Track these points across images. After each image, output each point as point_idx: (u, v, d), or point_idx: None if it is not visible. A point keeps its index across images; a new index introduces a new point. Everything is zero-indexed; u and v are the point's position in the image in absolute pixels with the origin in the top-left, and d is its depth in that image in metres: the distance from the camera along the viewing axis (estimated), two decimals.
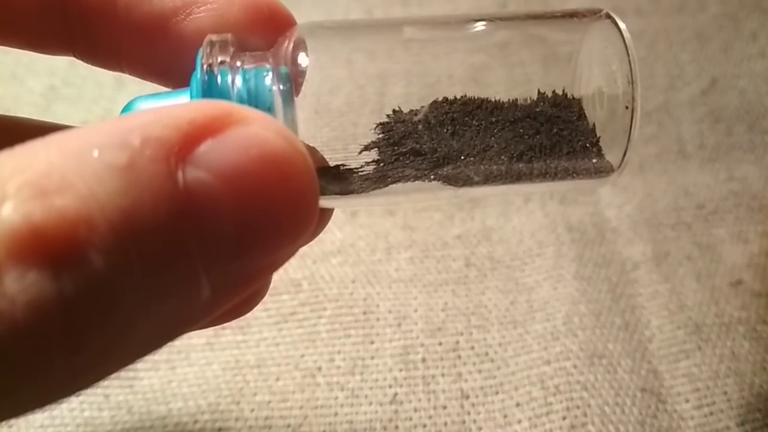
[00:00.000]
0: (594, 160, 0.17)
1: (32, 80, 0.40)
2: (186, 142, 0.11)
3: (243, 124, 0.12)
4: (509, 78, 0.16)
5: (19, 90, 0.39)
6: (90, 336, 0.10)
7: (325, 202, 0.16)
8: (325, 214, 0.18)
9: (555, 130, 0.16)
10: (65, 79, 0.40)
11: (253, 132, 0.12)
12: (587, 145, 0.16)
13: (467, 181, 0.16)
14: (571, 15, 0.17)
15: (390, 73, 0.16)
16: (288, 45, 0.16)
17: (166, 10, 0.17)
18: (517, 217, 0.34)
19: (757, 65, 0.40)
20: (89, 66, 0.19)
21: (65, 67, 0.40)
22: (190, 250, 0.11)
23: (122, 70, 0.18)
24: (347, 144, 0.16)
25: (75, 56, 0.19)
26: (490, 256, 0.32)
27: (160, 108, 0.12)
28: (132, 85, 0.19)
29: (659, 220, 0.34)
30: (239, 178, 0.11)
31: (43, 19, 0.17)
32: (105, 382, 0.17)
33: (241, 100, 0.14)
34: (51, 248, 0.10)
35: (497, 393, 0.28)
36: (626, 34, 0.16)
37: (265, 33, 0.17)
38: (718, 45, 0.41)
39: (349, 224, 0.33)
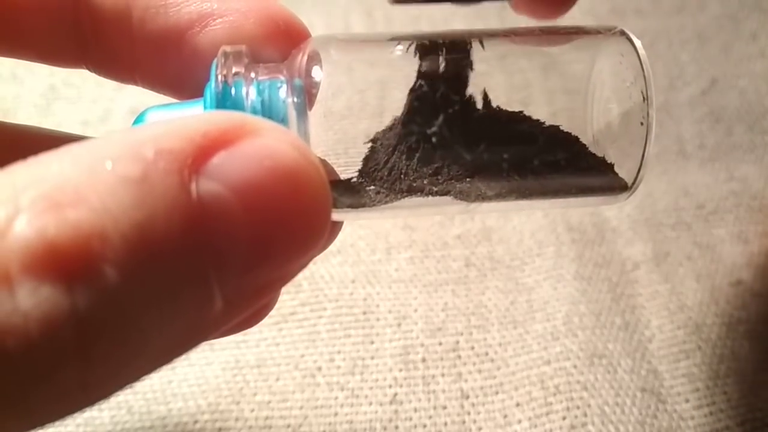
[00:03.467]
0: (608, 177, 0.16)
1: (32, 80, 0.40)
2: (199, 154, 0.11)
3: (256, 136, 0.12)
4: (512, 88, 0.16)
5: (19, 90, 0.39)
6: (103, 350, 0.10)
7: (336, 215, 0.16)
8: (336, 226, 0.18)
9: (570, 145, 0.16)
10: (65, 79, 0.40)
11: (266, 143, 0.12)
12: (601, 161, 0.16)
13: (480, 196, 0.16)
14: (585, 31, 0.17)
15: (391, 79, 0.16)
16: (302, 57, 0.15)
17: (181, 23, 0.16)
18: (517, 217, 0.34)
19: (757, 65, 0.40)
20: None
21: None
22: (204, 262, 0.11)
23: (135, 83, 0.18)
24: (348, 148, 0.16)
25: (87, 68, 0.18)
26: (490, 256, 0.32)
27: (173, 120, 0.12)
28: (132, 86, 0.19)
29: (659, 220, 0.34)
30: (252, 190, 0.11)
31: (54, 32, 0.17)
32: None
33: (254, 112, 0.14)
34: (64, 262, 0.10)
35: (497, 393, 0.28)
36: (641, 51, 0.16)
37: (280, 45, 0.17)
38: (718, 45, 0.41)
39: (349, 224, 0.33)
